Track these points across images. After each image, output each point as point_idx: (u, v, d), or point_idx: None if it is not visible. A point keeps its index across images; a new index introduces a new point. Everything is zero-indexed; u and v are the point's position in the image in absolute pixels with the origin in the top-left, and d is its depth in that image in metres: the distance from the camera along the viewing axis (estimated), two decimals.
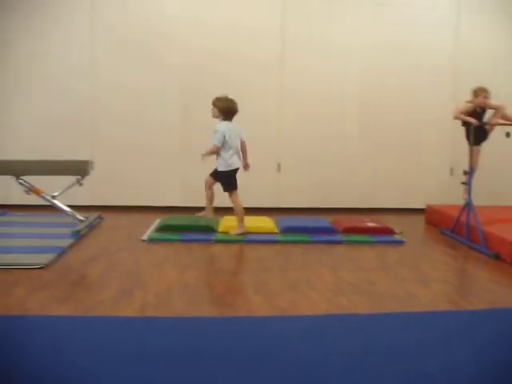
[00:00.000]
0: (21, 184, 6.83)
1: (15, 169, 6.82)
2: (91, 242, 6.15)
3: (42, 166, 6.81)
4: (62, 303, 4.12)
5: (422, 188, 8.59)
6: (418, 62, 8.52)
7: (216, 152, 6.44)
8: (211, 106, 6.48)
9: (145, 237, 6.32)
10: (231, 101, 6.46)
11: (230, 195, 6.58)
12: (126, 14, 8.18)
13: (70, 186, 6.83)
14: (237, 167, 6.57)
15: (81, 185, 6.80)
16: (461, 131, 7.26)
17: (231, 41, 8.23)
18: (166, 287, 4.48)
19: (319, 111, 8.43)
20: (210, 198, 6.77)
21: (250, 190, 8.20)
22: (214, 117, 6.49)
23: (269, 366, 3.07)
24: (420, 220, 7.80)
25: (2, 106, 8.19)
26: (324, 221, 7.12)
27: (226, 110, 6.43)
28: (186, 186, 8.25)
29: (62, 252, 5.53)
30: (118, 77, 8.19)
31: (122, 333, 3.51)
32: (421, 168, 8.64)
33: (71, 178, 6.83)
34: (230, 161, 6.48)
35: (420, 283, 4.81)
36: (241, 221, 6.55)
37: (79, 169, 6.78)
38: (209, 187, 6.73)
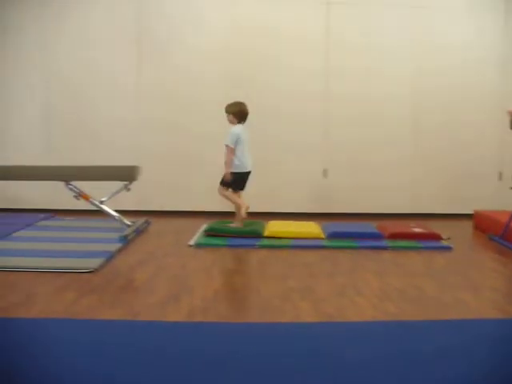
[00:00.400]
0: (70, 189, 6.92)
1: (65, 174, 6.92)
2: (139, 247, 6.21)
3: (90, 171, 6.90)
4: (111, 307, 4.17)
5: (469, 193, 8.43)
6: (463, 63, 8.41)
7: (232, 153, 6.71)
8: (227, 114, 6.86)
9: (192, 242, 6.36)
10: (242, 104, 6.88)
11: (233, 193, 6.91)
12: (168, 20, 8.27)
13: (117, 192, 6.91)
14: (249, 170, 6.86)
15: (128, 190, 6.87)
16: (510, 134, 7.14)
17: (274, 46, 8.21)
18: (213, 292, 4.49)
19: (366, 115, 8.33)
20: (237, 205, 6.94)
21: (296, 195, 8.23)
22: (231, 123, 6.85)
23: (316, 372, 3.06)
24: (468, 226, 7.69)
25: (55, 111, 8.34)
26: (370, 226, 7.08)
27: (240, 113, 6.83)
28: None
29: (110, 256, 5.59)
30: (161, 85, 8.28)
31: (169, 337, 3.54)
32: (469, 173, 8.49)
33: (118, 184, 6.92)
34: (242, 163, 6.80)
35: (468, 290, 4.75)
36: (239, 216, 6.85)
37: (127, 174, 6.84)
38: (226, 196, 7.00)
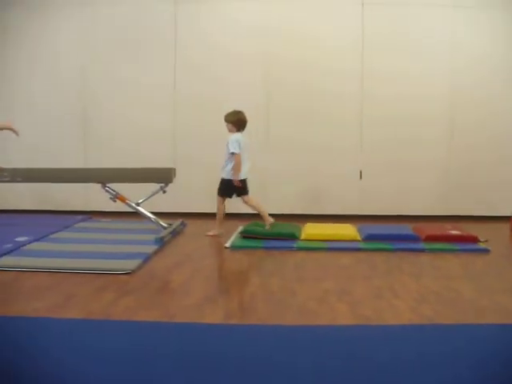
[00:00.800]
0: (107, 191, 6.99)
1: (102, 176, 6.98)
2: (175, 249, 6.25)
3: (127, 173, 6.96)
4: (147, 309, 4.19)
5: (507, 194, 8.34)
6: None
7: (240, 159, 6.84)
8: (227, 123, 6.96)
9: (228, 244, 6.38)
10: (241, 112, 6.94)
11: (220, 199, 7.04)
12: (202, 27, 8.33)
13: (154, 194, 6.95)
14: (245, 177, 6.91)
15: (164, 192, 6.91)
16: None
17: (310, 49, 8.20)
18: (249, 294, 4.50)
19: (401, 115, 8.26)
20: (261, 210, 7.09)
21: (331, 198, 8.21)
22: (230, 131, 6.93)
23: (352, 375, 3.05)
24: (505, 228, 7.58)
25: (91, 114, 8.43)
26: (407, 228, 7.03)
27: (239, 122, 6.90)
28: (267, 193, 8.27)
29: (146, 258, 5.63)
30: (196, 92, 8.34)
31: (206, 340, 3.55)
32: (506, 173, 8.37)
33: (154, 185, 6.97)
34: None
35: (506, 293, 4.68)
36: (219, 224, 7.04)
37: (163, 176, 6.89)
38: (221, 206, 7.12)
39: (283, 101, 8.23)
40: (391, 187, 8.31)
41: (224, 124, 7.61)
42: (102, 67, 8.46)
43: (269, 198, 8.23)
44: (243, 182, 6.93)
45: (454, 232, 6.72)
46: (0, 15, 8.44)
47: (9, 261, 5.50)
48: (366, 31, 8.18)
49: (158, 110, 8.26)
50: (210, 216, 8.11)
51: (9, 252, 5.84)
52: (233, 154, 6.79)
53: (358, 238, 6.62)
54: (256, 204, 7.05)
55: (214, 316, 3.98)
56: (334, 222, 7.38)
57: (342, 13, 8.20)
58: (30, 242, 6.31)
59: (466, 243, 6.48)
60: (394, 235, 6.66)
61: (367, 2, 8.13)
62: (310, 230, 6.74)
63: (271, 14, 8.20)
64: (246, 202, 7.05)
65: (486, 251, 6.26)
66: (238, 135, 6.88)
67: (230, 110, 7.90)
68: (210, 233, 7.02)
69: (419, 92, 8.24)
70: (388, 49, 8.20)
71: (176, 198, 8.13)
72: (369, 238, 6.59)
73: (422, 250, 6.23)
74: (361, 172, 8.32)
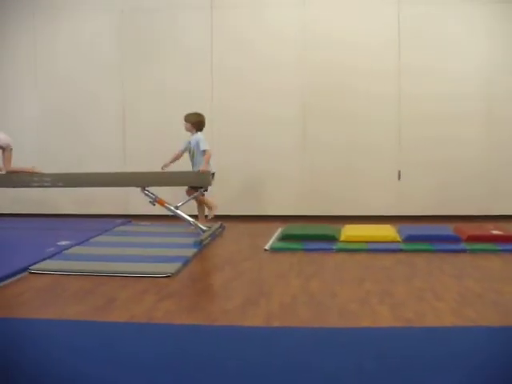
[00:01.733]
0: (146, 195, 7.02)
1: (141, 180, 7.03)
2: (214, 252, 6.27)
3: (166, 177, 6.99)
4: (189, 312, 4.21)
5: None
6: None
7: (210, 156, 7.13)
8: (186, 123, 7.28)
9: (267, 246, 6.37)
10: (202, 115, 7.33)
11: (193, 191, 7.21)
12: (240, 35, 8.38)
13: (193, 197, 6.98)
14: (214, 171, 7.18)
15: (203, 195, 6.93)
16: None
17: (347, 50, 8.18)
18: (290, 297, 4.48)
19: (440, 114, 8.15)
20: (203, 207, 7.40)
21: (370, 199, 8.16)
22: (188, 130, 7.31)
23: (394, 377, 3.02)
24: None
25: (130, 120, 8.50)
26: (447, 229, 6.95)
27: (199, 123, 7.28)
28: (306, 194, 8.26)
29: (186, 261, 5.65)
30: (235, 101, 8.39)
31: (248, 343, 3.54)
32: None
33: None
34: (211, 165, 7.10)
35: None
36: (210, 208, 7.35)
37: (202, 180, 6.90)
38: (198, 202, 7.36)
39: (320, 102, 8.21)
40: (430, 187, 8.22)
41: (261, 128, 7.70)
42: (140, 71, 8.54)
43: (307, 199, 8.22)
44: (213, 174, 7.15)
45: (495, 232, 6.62)
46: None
47: (51, 264, 5.57)
48: (402, 30, 8.11)
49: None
50: (249, 218, 8.16)
51: (51, 256, 5.91)
52: (205, 150, 7.08)
53: (398, 239, 6.56)
54: (208, 201, 7.38)
55: (255, 319, 3.97)
56: (372, 223, 7.33)
57: (378, 13, 8.16)
58: (71, 246, 6.38)
59: (509, 243, 6.37)
60: (435, 236, 6.59)
61: (403, 1, 8.06)
62: (350, 232, 6.70)
63: (307, 17, 8.20)
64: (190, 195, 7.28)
65: None
66: (202, 135, 7.23)
67: (268, 116, 7.98)
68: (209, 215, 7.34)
69: (457, 90, 8.14)
70: (425, 47, 8.11)
71: (215, 201, 8.14)
72: (409, 238, 6.52)
73: (463, 251, 6.15)
74: (399, 172, 8.25)
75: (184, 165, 7.36)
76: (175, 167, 7.28)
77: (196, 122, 7.24)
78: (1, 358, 3.33)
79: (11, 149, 7.17)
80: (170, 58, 8.50)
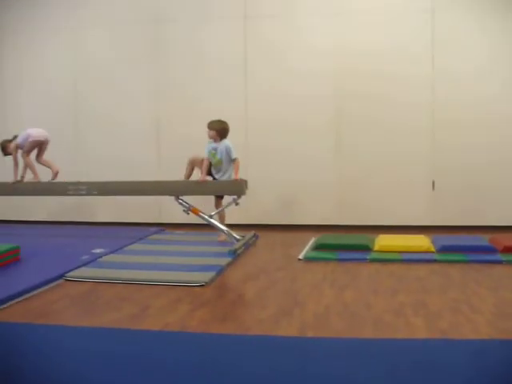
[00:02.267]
0: (180, 204, 7.06)
1: (175, 189, 7.07)
2: (248, 261, 6.27)
3: (200, 186, 7.00)
4: (222, 321, 4.21)
5: None
6: None
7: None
8: (210, 130, 7.19)
9: (301, 256, 6.36)
10: (225, 122, 7.21)
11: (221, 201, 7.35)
12: (272, 46, 8.42)
13: (226, 206, 7.00)
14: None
15: (237, 204, 6.94)
16: None
17: (382, 60, 8.14)
18: (324, 307, 4.47)
19: (475, 121, 8.06)
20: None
21: (404, 208, 8.11)
22: (211, 138, 7.20)
23: None
24: None
25: (164, 128, 8.56)
26: (482, 239, 6.87)
27: (223, 130, 7.19)
28: (339, 204, 8.24)
29: (220, 270, 5.66)
30: (268, 110, 8.41)
31: (282, 353, 3.53)
32: None
33: (227, 198, 7.03)
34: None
35: None
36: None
37: (236, 189, 6.92)
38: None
39: (353, 111, 8.19)
40: (465, 197, 8.13)
41: (295, 137, 7.71)
42: (174, 82, 8.62)
43: (340, 208, 8.20)
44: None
45: None
46: None
47: (86, 272, 5.63)
48: (436, 37, 8.04)
49: (230, 125, 8.32)
50: (282, 228, 8.16)
51: (86, 263, 5.97)
52: (235, 158, 7.09)
53: (432, 249, 6.50)
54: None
55: (289, 329, 3.97)
56: (406, 233, 7.29)
57: (412, 20, 8.11)
58: (105, 254, 6.44)
59: None
60: (470, 246, 6.52)
61: (437, 8, 8.01)
62: (384, 242, 6.66)
63: (340, 26, 8.20)
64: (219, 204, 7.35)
65: None
66: (230, 142, 7.20)
67: (302, 125, 7.98)
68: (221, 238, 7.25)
69: (492, 96, 8.04)
70: (459, 54, 8.04)
71: (248, 210, 8.17)
72: (443, 249, 6.47)
73: (499, 262, 6.07)
74: (433, 182, 8.18)
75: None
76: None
77: (220, 130, 7.17)
78: (38, 365, 3.37)
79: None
80: (203, 68, 8.56)
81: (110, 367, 3.29)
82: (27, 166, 7.79)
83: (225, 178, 7.14)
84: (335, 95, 8.24)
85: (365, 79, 8.15)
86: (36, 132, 7.75)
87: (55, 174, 7.78)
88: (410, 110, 8.13)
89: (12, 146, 7.76)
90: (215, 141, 7.15)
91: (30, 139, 7.69)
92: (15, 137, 7.81)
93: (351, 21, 8.19)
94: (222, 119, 7.22)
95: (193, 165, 7.26)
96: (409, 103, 8.12)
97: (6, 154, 7.87)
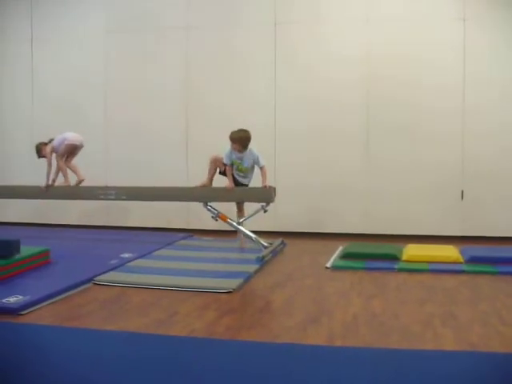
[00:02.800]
0: (208, 210, 7.08)
1: (204, 195, 7.09)
2: (276, 268, 6.27)
3: (228, 192, 7.01)
4: (250, 328, 4.21)
5: None
6: None
7: None
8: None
9: (329, 264, 6.35)
10: (247, 131, 7.05)
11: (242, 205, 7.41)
12: (301, 52, 8.44)
13: (255, 213, 7.01)
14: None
15: (265, 211, 6.94)
16: None
17: (412, 67, 8.10)
18: (352, 316, 4.45)
19: (506, 130, 7.98)
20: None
21: (432, 218, 8.06)
22: (235, 150, 7.03)
23: None
24: None
25: (192, 136, 8.60)
26: None
27: (245, 140, 7.01)
28: (367, 212, 8.22)
29: (248, 277, 5.67)
30: (298, 118, 8.43)
31: (310, 361, 3.52)
32: None
33: (255, 204, 7.04)
34: None
35: None
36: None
37: (264, 196, 6.92)
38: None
39: (383, 118, 8.15)
40: (494, 207, 8.05)
41: (324, 144, 7.72)
42: (204, 88, 8.65)
43: (368, 217, 8.17)
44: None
45: None
46: None
47: (115, 276, 5.67)
48: (467, 45, 7.99)
49: (258, 132, 8.34)
50: (309, 235, 8.15)
51: (114, 268, 6.01)
52: (263, 166, 7.08)
53: (461, 260, 6.44)
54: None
55: (317, 337, 3.96)
56: (434, 243, 7.24)
57: (443, 28, 8.05)
58: (134, 259, 6.48)
59: None
60: (499, 258, 6.44)
61: (468, 17, 7.96)
62: (412, 251, 6.62)
63: (370, 33, 8.18)
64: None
65: None
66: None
67: (331, 132, 7.99)
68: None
69: None
70: (490, 61, 7.98)
71: (276, 218, 8.18)
72: (472, 260, 6.40)
73: None
74: (462, 192, 8.12)
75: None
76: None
77: (243, 140, 7.00)
78: (66, 367, 3.40)
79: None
80: (232, 75, 8.59)
81: (136, 372, 3.32)
82: (60, 169, 7.90)
83: (247, 181, 7.14)
84: (364, 103, 8.21)
85: (394, 86, 8.12)
86: (72, 136, 7.87)
87: (79, 182, 7.88)
88: (439, 118, 8.07)
89: (48, 148, 7.88)
90: (240, 151, 7.04)
91: (66, 142, 7.80)
92: (51, 140, 7.92)
93: (381, 28, 8.15)
94: (244, 128, 7.10)
95: (215, 165, 7.20)
96: (439, 111, 8.06)
97: (40, 156, 7.99)
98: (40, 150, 7.96)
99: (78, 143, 7.86)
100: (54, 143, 7.86)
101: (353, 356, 3.63)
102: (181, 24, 8.72)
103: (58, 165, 7.88)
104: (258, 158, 7.04)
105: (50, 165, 7.85)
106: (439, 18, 8.05)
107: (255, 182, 7.22)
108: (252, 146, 7.07)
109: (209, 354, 3.66)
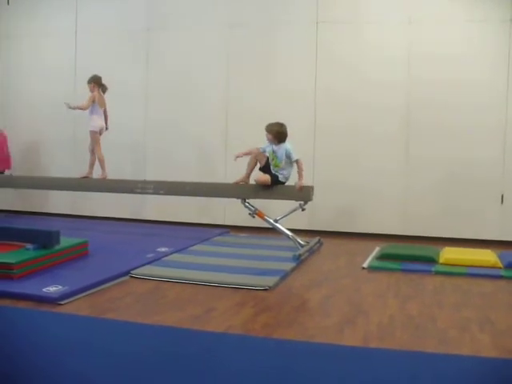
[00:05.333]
0: (246, 207, 7.10)
1: (242, 192, 7.10)
2: (312, 267, 6.27)
3: (267, 190, 7.01)
4: (286, 327, 4.22)
5: None
6: None
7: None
8: (268, 133, 7.05)
9: (365, 264, 6.33)
10: (284, 125, 7.06)
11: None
12: (340, 52, 8.41)
13: (292, 211, 7.00)
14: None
15: (303, 210, 6.93)
16: None
17: (454, 68, 8.01)
18: (388, 318, 4.43)
19: None
20: None
21: (471, 221, 7.98)
22: (270, 141, 7.06)
23: None
24: None
25: (232, 135, 8.62)
26: None
27: (280, 134, 7.01)
28: (405, 214, 8.16)
29: (284, 275, 5.67)
30: (337, 120, 8.39)
31: (346, 362, 3.52)
32: None
33: (293, 203, 7.03)
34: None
35: None
36: None
37: (302, 194, 6.90)
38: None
39: (423, 119, 8.08)
40: None
41: (363, 145, 7.69)
42: (244, 87, 8.69)
43: (406, 218, 8.13)
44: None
45: None
46: None
47: (151, 270, 5.71)
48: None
49: (298, 131, 8.34)
50: (346, 235, 8.13)
51: (151, 262, 6.06)
52: (297, 160, 6.98)
53: (500, 265, 6.35)
54: None
55: (353, 338, 3.95)
56: (472, 247, 7.17)
57: (487, 30, 7.95)
58: (170, 253, 6.53)
59: None
60: None
61: None
62: (449, 255, 6.56)
63: (412, 34, 8.12)
64: None
65: None
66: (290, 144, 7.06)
67: (371, 133, 7.94)
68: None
69: None
70: None
71: (313, 216, 8.18)
72: (511, 265, 6.33)
73: None
74: (502, 196, 8.03)
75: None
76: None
77: (278, 133, 7.01)
78: (102, 358, 3.43)
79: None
80: (273, 74, 8.60)
81: (172, 366, 3.34)
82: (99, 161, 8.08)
83: (285, 174, 7.03)
84: (404, 103, 8.15)
85: (436, 88, 8.04)
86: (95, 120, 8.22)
87: (85, 176, 8.22)
88: (481, 120, 7.97)
89: None
90: (273, 143, 7.04)
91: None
92: None
93: (423, 29, 8.09)
94: (281, 122, 7.11)
95: (256, 159, 7.17)
96: (480, 113, 7.96)
97: None
98: None
99: (97, 129, 8.07)
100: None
101: (388, 358, 3.61)
102: (223, 22, 8.74)
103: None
104: (290, 153, 6.97)
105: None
106: (483, 18, 7.95)
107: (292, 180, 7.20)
108: (291, 143, 7.06)
109: (245, 351, 3.67)
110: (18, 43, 9.83)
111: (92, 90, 8.08)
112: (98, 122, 8.07)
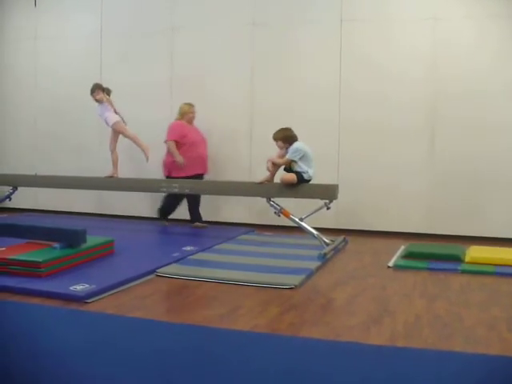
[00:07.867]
0: (271, 206, 7.10)
1: (267, 191, 7.11)
2: (337, 266, 6.26)
3: (292, 189, 7.01)
4: (312, 326, 4.21)
5: None
6: None
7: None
8: (276, 141, 7.21)
9: (391, 263, 6.30)
10: (288, 129, 7.19)
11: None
12: (367, 47, 8.37)
13: (317, 210, 6.98)
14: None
15: (328, 208, 6.92)
16: None
17: (481, 64, 7.93)
18: (415, 317, 4.41)
19: None
20: None
21: (498, 219, 7.90)
22: (279, 148, 7.19)
23: None
24: None
25: (256, 133, 8.62)
26: None
27: (286, 138, 7.11)
28: (431, 212, 8.12)
29: (310, 274, 5.67)
30: (361, 116, 8.37)
31: (373, 361, 3.51)
32: None
33: (317, 201, 7.01)
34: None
35: None
36: None
37: (327, 193, 6.90)
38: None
39: (448, 115, 7.98)
40: None
41: (387, 141, 7.69)
42: (268, 85, 8.71)
43: (433, 217, 8.08)
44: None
45: None
46: None
47: (177, 269, 5.74)
48: None
49: (322, 128, 8.32)
50: (371, 233, 8.11)
51: (176, 260, 6.09)
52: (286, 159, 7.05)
53: None
54: None
55: (379, 337, 3.94)
56: (499, 246, 7.10)
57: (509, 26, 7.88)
58: (196, 252, 6.55)
59: None
60: None
61: None
62: (476, 253, 6.50)
63: (438, 31, 8.05)
64: None
65: None
66: (299, 143, 7.08)
67: (395, 129, 7.92)
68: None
69: None
70: None
71: (338, 215, 8.16)
72: None
73: None
74: None
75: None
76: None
77: (284, 138, 7.12)
78: (127, 356, 3.45)
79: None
80: (297, 72, 8.58)
81: (199, 364, 3.35)
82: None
83: (309, 173, 7.01)
84: (430, 101, 8.09)
85: (462, 84, 7.96)
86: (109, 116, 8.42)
87: (111, 175, 8.38)
88: (508, 116, 7.87)
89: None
90: (284, 148, 7.13)
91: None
92: None
93: (450, 25, 8.01)
94: (285, 127, 7.21)
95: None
96: (508, 109, 7.85)
97: None
98: None
99: (119, 119, 8.42)
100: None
101: (415, 357, 3.59)
102: (247, 21, 8.75)
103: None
104: (289, 151, 7.05)
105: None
106: (509, 14, 7.87)
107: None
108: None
109: (271, 350, 3.68)
110: (46, 44, 9.93)
111: (98, 97, 8.20)
112: (115, 115, 8.20)
